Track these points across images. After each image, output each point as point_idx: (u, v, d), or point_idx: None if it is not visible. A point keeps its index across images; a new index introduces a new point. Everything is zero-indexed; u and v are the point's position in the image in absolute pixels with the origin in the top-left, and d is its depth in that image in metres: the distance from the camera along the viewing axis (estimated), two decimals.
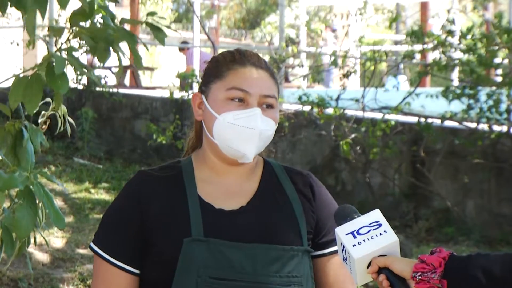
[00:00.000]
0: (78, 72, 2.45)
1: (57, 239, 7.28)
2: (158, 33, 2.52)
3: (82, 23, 2.45)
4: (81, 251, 7.06)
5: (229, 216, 2.20)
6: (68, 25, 2.47)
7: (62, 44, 2.47)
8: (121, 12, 19.80)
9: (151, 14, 2.55)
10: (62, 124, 2.63)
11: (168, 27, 2.60)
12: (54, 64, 2.36)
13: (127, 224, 2.22)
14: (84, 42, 2.48)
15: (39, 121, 2.62)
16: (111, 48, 2.46)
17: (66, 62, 2.39)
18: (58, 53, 2.42)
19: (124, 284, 2.21)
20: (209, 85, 2.27)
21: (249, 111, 2.18)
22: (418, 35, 9.18)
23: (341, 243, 1.99)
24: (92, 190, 9.60)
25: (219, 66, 2.26)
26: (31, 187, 2.24)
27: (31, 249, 6.36)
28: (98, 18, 2.49)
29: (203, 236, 2.14)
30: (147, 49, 2.57)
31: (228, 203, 2.23)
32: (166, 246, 2.16)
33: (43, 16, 2.38)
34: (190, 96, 10.56)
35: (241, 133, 2.18)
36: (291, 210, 2.25)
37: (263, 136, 2.20)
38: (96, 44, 2.41)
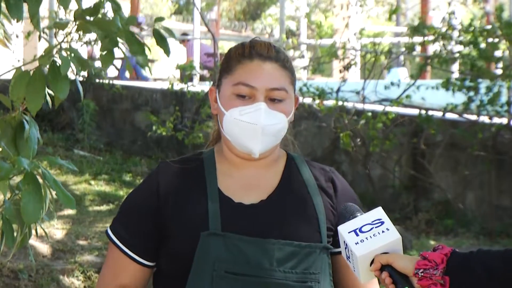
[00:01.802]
0: (79, 68, 2.42)
1: (57, 230, 7.29)
2: (163, 44, 2.50)
3: (87, 17, 2.43)
4: (81, 242, 7.06)
5: (248, 210, 2.19)
6: (70, 16, 2.46)
7: (64, 37, 2.45)
8: (121, 4, 19.75)
9: (159, 19, 2.53)
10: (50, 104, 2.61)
11: (173, 35, 2.57)
12: (58, 64, 2.34)
13: (143, 214, 2.22)
14: (84, 34, 2.47)
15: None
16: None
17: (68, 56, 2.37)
18: (59, 47, 2.40)
19: (132, 273, 2.23)
20: (221, 79, 2.25)
21: (253, 106, 2.17)
22: (419, 29, 9.16)
23: (344, 241, 1.99)
24: (92, 182, 9.61)
25: (229, 61, 2.25)
26: (35, 173, 2.23)
27: (31, 240, 6.35)
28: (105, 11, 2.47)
29: (221, 230, 2.13)
30: (149, 50, 2.54)
31: (247, 197, 2.22)
32: (182, 238, 2.16)
33: (34, 17, 2.35)
34: (190, 88, 10.56)
35: (245, 129, 2.17)
36: (312, 206, 2.23)
37: (267, 132, 2.18)
38: (106, 37, 2.39)
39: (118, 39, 2.41)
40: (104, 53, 2.43)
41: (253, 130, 2.17)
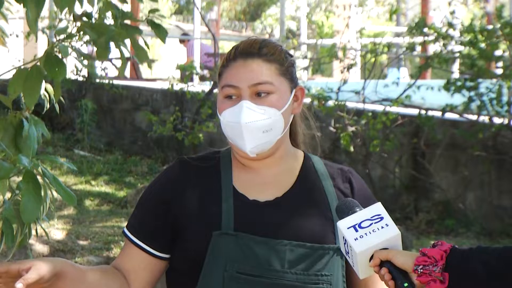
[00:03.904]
0: (81, 58, 2.43)
1: (57, 230, 7.29)
2: (158, 31, 2.51)
3: (85, 19, 2.44)
4: (82, 242, 7.06)
5: (262, 207, 2.19)
6: (69, 16, 2.46)
7: (65, 37, 2.46)
8: (121, 4, 19.74)
9: (153, 11, 2.54)
10: (48, 102, 2.62)
11: (164, 30, 2.59)
12: (56, 53, 2.36)
13: (155, 206, 2.24)
14: (83, 35, 2.48)
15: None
16: (111, 44, 2.46)
17: (69, 50, 2.39)
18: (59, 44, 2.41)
19: (134, 258, 2.24)
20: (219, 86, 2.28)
21: (238, 105, 2.18)
22: (420, 26, 9.16)
23: (343, 237, 1.99)
24: (93, 182, 9.61)
25: (220, 67, 2.28)
26: (34, 171, 2.24)
27: (31, 240, 6.35)
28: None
29: (233, 229, 2.13)
30: (148, 46, 2.55)
31: (262, 194, 2.22)
32: (195, 236, 2.17)
33: (39, 12, 2.36)
34: (190, 88, 10.56)
35: (234, 129, 2.19)
36: (327, 206, 2.23)
37: (251, 128, 2.17)
38: (98, 38, 2.40)
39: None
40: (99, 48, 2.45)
41: (238, 128, 2.17)
